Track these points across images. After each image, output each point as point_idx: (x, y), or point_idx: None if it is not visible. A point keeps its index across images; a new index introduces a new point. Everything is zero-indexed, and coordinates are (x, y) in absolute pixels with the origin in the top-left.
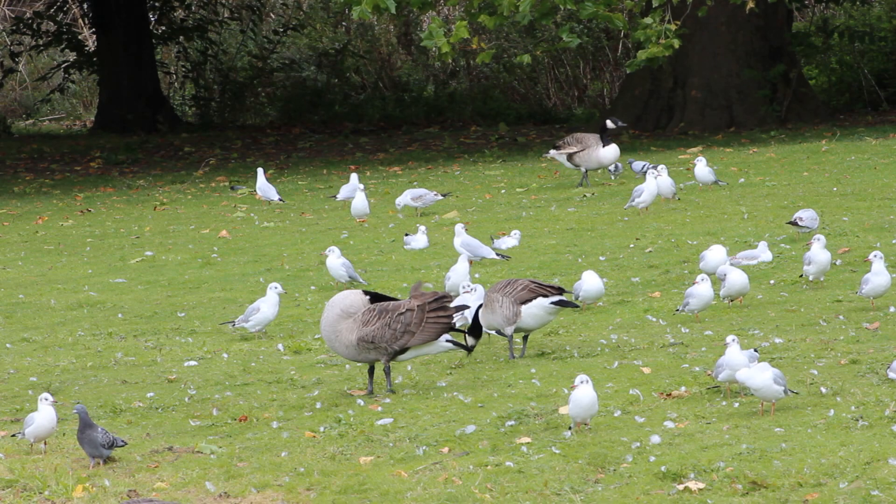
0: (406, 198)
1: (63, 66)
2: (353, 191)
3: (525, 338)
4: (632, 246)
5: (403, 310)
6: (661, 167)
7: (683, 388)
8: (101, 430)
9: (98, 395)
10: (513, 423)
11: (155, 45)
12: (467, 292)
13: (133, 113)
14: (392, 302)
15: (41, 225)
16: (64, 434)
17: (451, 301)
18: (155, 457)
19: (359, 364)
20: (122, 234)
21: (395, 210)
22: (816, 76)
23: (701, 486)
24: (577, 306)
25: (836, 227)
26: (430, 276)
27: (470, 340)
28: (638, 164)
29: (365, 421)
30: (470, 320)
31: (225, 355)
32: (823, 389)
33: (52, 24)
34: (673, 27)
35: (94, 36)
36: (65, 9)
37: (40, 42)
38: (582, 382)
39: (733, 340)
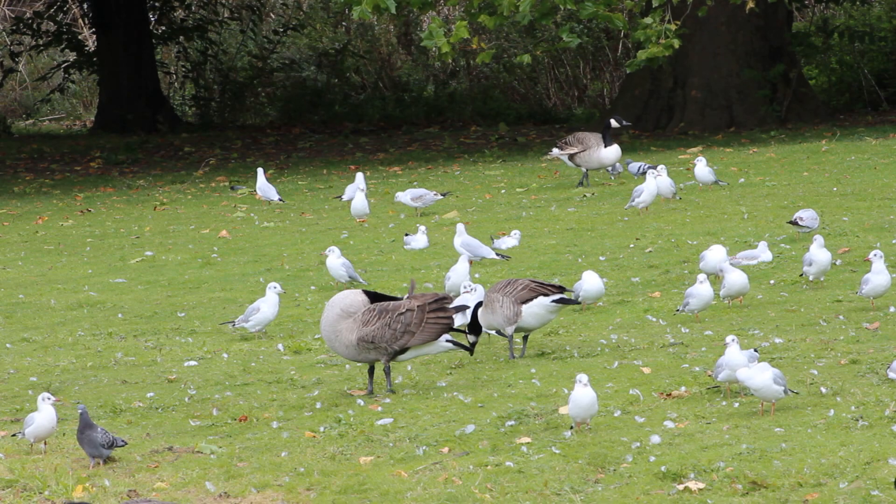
0: (406, 197)
1: (63, 66)
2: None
3: (525, 338)
4: (632, 246)
5: (403, 310)
6: (661, 167)
7: (683, 388)
8: (100, 430)
9: (98, 395)
10: (513, 423)
11: (155, 45)
12: (467, 292)
13: (133, 113)
14: (392, 302)
15: (41, 225)
16: (64, 434)
17: (450, 302)
18: (155, 457)
19: (359, 364)
20: (122, 234)
21: (395, 210)
22: (816, 76)
23: (701, 486)
24: (578, 303)
25: (836, 227)
26: (430, 276)
27: (470, 338)
28: (635, 165)
29: (365, 421)
30: (469, 320)
31: (225, 355)
32: (823, 389)
33: (52, 24)
34: (673, 27)
35: (94, 36)
36: (65, 9)
37: (40, 42)
38: (580, 383)
39: (733, 340)
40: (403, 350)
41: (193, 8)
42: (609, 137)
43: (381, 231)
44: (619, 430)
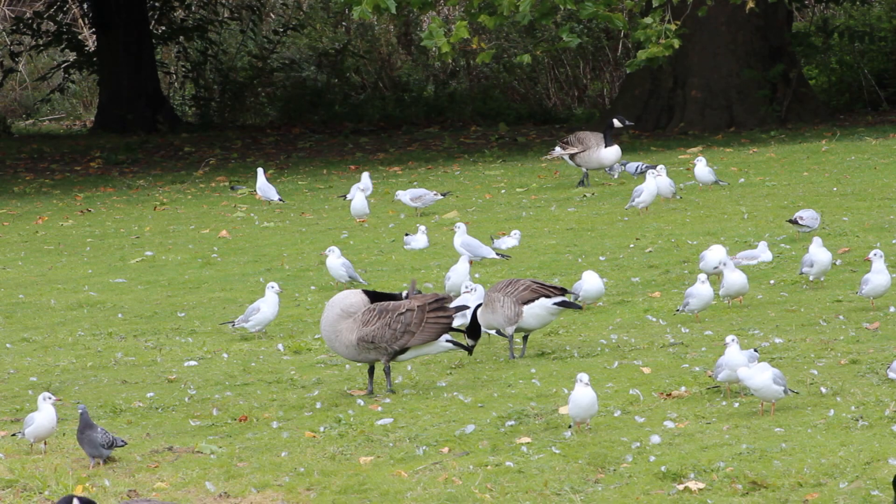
0: (406, 197)
1: (63, 66)
2: (364, 189)
3: (525, 338)
4: (632, 246)
5: (403, 310)
6: (660, 167)
7: (683, 388)
8: (100, 430)
9: (98, 395)
10: (513, 423)
11: (155, 45)
12: (468, 292)
13: (133, 113)
14: (392, 302)
15: (41, 225)
16: (64, 434)
17: (450, 302)
18: (155, 457)
19: (359, 364)
20: (122, 234)
21: (395, 210)
22: (816, 76)
23: (701, 486)
24: (580, 307)
25: (836, 227)
26: (430, 276)
27: (469, 341)
28: (632, 166)
29: (365, 421)
30: (469, 320)
31: (225, 355)
32: (823, 389)
33: (52, 24)
34: (673, 27)
35: (94, 36)
36: (65, 9)
37: (40, 42)
38: (580, 382)
39: (733, 340)
40: (403, 350)
41: (193, 8)
42: (610, 138)
43: (381, 231)
44: (619, 430)
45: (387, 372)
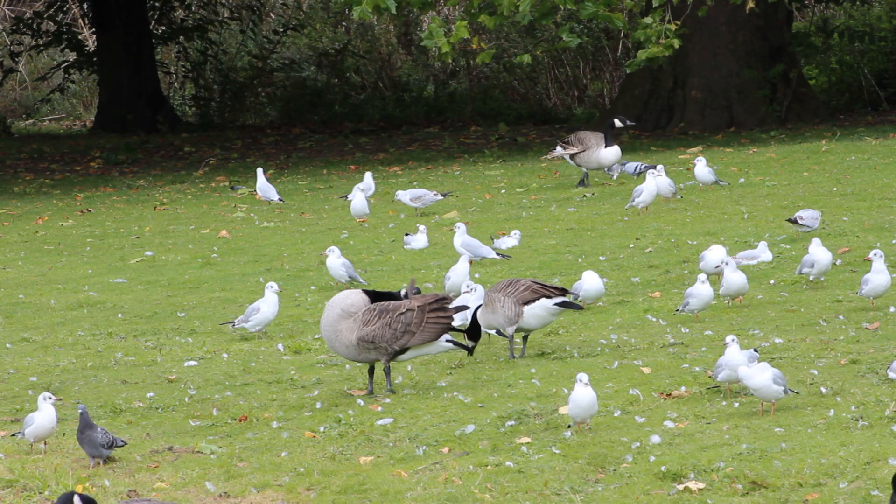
0: (406, 197)
1: (63, 66)
2: (366, 188)
3: (525, 338)
4: (632, 246)
5: (404, 310)
6: (659, 167)
7: (683, 388)
8: (100, 430)
9: (98, 395)
10: (513, 423)
11: (155, 45)
12: (468, 292)
13: (133, 113)
14: (392, 302)
15: (41, 225)
16: (64, 434)
17: (450, 302)
18: (155, 457)
19: (359, 364)
20: (122, 234)
21: (395, 210)
22: (816, 76)
23: (701, 486)
24: (581, 308)
25: (836, 227)
26: (430, 276)
27: (469, 343)
28: (631, 166)
29: (365, 421)
30: (469, 321)
31: (225, 355)
32: (823, 389)
33: (52, 24)
34: (673, 27)
35: (94, 36)
36: (65, 9)
37: (40, 42)
38: (580, 382)
39: (733, 340)
40: (403, 350)
41: (193, 8)
42: (611, 138)
43: (381, 231)
44: (619, 430)
45: (387, 372)
